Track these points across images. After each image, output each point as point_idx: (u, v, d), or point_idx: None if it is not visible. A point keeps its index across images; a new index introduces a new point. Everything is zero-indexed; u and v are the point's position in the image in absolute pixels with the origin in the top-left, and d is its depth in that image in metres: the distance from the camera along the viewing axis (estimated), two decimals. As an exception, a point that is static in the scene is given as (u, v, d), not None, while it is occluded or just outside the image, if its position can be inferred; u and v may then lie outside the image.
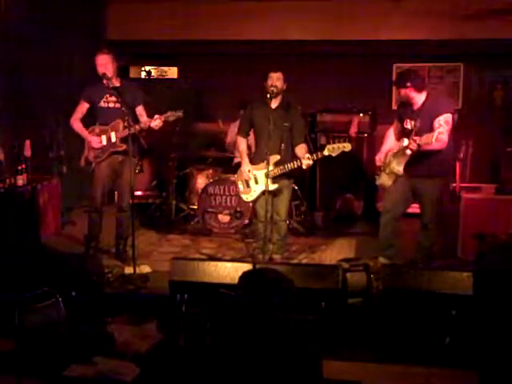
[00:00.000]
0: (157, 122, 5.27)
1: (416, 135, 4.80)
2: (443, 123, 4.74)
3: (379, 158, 5.25)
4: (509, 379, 3.54)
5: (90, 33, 7.69)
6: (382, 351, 3.89)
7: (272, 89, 5.08)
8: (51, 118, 6.86)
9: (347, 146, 5.01)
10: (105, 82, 5.36)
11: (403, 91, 4.98)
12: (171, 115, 5.30)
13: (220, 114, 7.50)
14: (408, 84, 4.92)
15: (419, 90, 4.96)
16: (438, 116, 4.78)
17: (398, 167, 5.02)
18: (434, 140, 4.56)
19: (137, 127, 5.21)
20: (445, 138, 4.76)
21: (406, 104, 5.10)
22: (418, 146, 4.70)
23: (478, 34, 7.22)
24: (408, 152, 4.85)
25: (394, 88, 7.83)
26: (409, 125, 5.00)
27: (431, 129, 4.74)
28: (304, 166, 5.10)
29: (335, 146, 5.01)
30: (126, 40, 7.92)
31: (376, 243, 5.43)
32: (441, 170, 5.00)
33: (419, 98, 4.97)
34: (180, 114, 5.32)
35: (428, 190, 5.02)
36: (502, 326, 3.91)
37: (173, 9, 7.86)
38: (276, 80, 5.12)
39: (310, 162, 5.08)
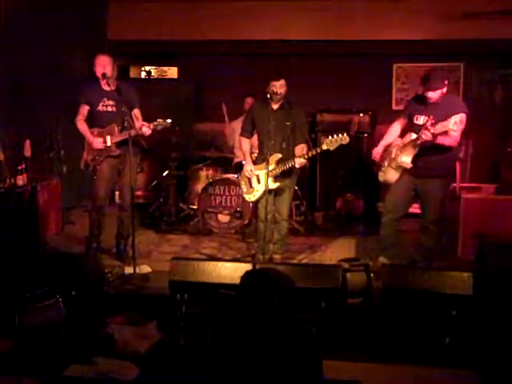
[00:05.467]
0: (145, 129, 5.26)
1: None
2: (458, 122, 4.69)
3: (376, 152, 5.21)
4: (509, 379, 3.55)
5: (90, 33, 7.68)
6: (382, 351, 3.89)
7: (277, 96, 5.08)
8: (51, 118, 6.86)
9: (345, 139, 4.96)
10: (104, 82, 5.35)
11: (439, 90, 4.85)
12: (159, 124, 5.31)
13: (223, 112, 7.47)
14: (446, 82, 4.85)
15: (448, 88, 4.94)
16: (454, 114, 4.73)
17: (407, 160, 4.94)
18: (450, 126, 4.53)
19: (133, 131, 5.16)
20: (457, 136, 4.75)
21: (418, 100, 5.05)
22: (433, 135, 4.65)
23: (478, 34, 7.22)
24: (419, 142, 4.79)
25: (394, 88, 7.91)
26: (420, 120, 4.94)
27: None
28: (297, 165, 5.09)
29: (333, 139, 4.97)
30: (126, 40, 7.92)
31: (376, 243, 5.43)
32: (445, 171, 4.99)
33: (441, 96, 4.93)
34: (168, 123, 5.34)
35: (431, 191, 5.00)
36: (502, 326, 3.91)
37: (173, 9, 7.86)
38: (279, 87, 5.11)
39: (303, 161, 5.07)
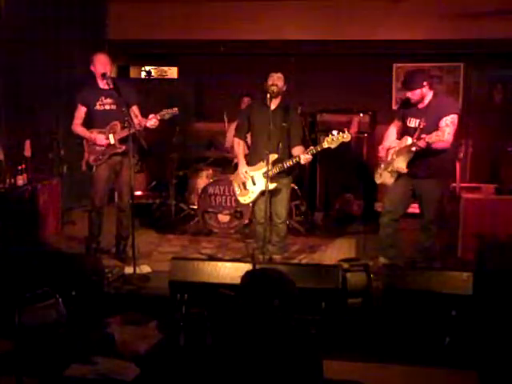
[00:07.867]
0: (153, 122, 5.24)
1: (422, 133, 4.78)
2: (450, 123, 4.72)
3: (381, 157, 5.20)
4: (509, 379, 3.55)
5: (90, 33, 7.69)
6: (382, 351, 3.89)
7: (273, 88, 5.04)
8: (51, 118, 6.86)
9: (347, 137, 4.90)
10: (103, 82, 5.34)
11: (419, 91, 4.87)
12: (166, 113, 5.27)
13: (223, 112, 7.47)
14: (425, 83, 4.86)
15: (432, 88, 4.94)
16: (445, 115, 4.76)
17: (402, 165, 4.96)
18: (443, 138, 4.56)
19: (136, 127, 5.17)
20: (450, 137, 4.77)
21: (407, 102, 5.06)
22: (427, 143, 4.67)
23: (478, 34, 7.22)
24: (413, 149, 4.81)
25: (394, 88, 7.91)
26: (412, 123, 4.95)
27: (437, 128, 4.74)
28: (302, 161, 5.03)
29: (334, 137, 4.91)
30: (126, 40, 7.93)
31: (376, 243, 5.43)
32: (442, 170, 4.99)
33: (429, 97, 4.93)
34: (175, 110, 5.29)
35: (429, 191, 5.00)
36: (501, 326, 3.91)
37: (173, 9, 7.86)
38: (277, 79, 5.10)
39: (309, 157, 5.03)
